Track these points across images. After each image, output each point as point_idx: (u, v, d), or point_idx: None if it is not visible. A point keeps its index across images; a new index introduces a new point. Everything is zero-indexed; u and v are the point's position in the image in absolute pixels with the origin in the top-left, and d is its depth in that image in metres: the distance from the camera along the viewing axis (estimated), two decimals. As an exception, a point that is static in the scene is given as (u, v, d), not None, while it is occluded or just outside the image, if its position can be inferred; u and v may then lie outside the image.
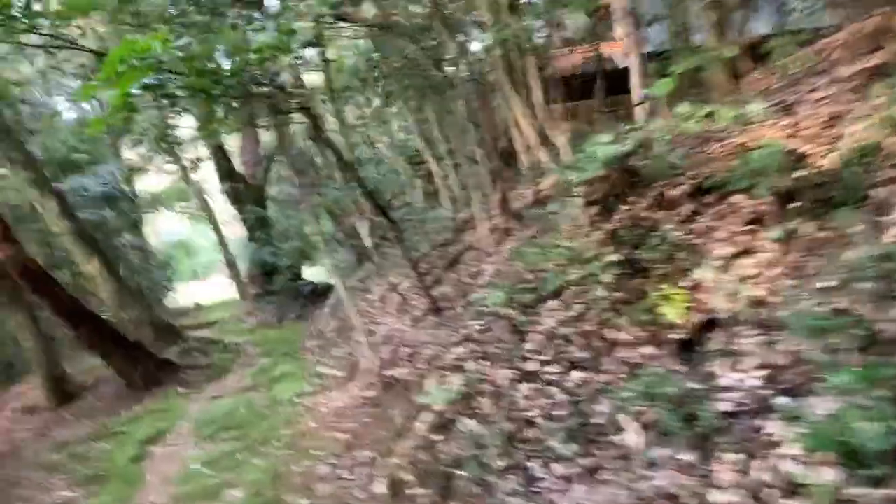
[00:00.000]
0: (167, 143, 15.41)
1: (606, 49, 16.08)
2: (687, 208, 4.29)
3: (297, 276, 22.93)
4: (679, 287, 3.87)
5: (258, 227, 20.94)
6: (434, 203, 15.04)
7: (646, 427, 3.36)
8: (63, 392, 12.85)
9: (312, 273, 28.48)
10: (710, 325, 3.63)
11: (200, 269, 45.06)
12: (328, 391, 9.14)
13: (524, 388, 4.14)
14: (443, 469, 4.24)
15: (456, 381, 4.69)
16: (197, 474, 7.25)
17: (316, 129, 7.19)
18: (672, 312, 3.76)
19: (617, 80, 13.70)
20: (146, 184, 31.18)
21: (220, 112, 6.37)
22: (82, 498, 7.69)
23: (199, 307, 31.74)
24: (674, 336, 3.74)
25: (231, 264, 40.02)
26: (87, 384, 13.81)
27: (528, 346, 4.44)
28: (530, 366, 4.26)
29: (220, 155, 21.52)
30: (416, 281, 9.93)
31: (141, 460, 8.12)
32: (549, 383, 4.06)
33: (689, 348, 3.64)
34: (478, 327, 5.30)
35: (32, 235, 16.68)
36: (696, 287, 3.85)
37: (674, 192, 4.41)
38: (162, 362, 13.09)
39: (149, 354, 12.95)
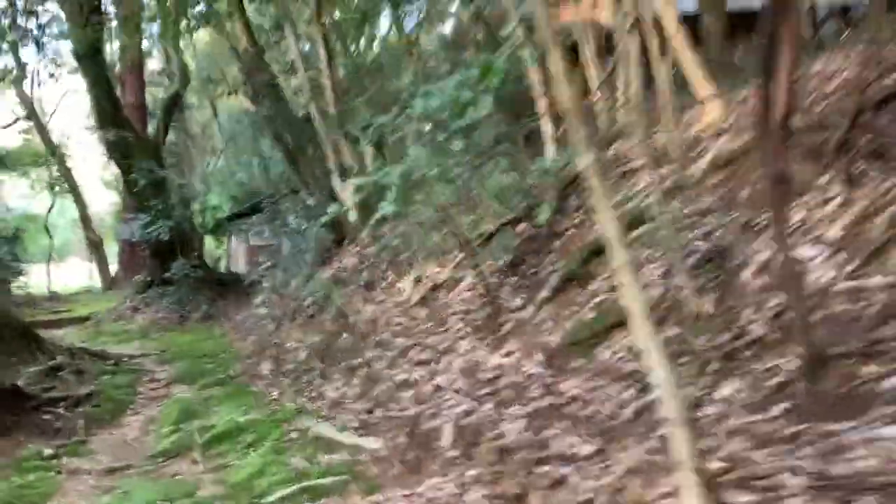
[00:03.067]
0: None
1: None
2: None
3: (202, 261, 17.77)
4: None
5: (153, 193, 15.57)
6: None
7: None
8: None
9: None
10: None
11: (55, 251, 37.67)
12: (371, 493, 4.63)
13: None
14: None
15: None
16: None
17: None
18: None
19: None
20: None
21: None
22: None
23: (56, 297, 25.37)
24: None
25: (96, 244, 33.46)
26: None
27: None
28: None
29: (102, 92, 15.85)
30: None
31: None
32: None
33: None
34: None
35: None
36: None
37: None
38: (11, 393, 7.92)
39: (-13, 381, 7.78)
